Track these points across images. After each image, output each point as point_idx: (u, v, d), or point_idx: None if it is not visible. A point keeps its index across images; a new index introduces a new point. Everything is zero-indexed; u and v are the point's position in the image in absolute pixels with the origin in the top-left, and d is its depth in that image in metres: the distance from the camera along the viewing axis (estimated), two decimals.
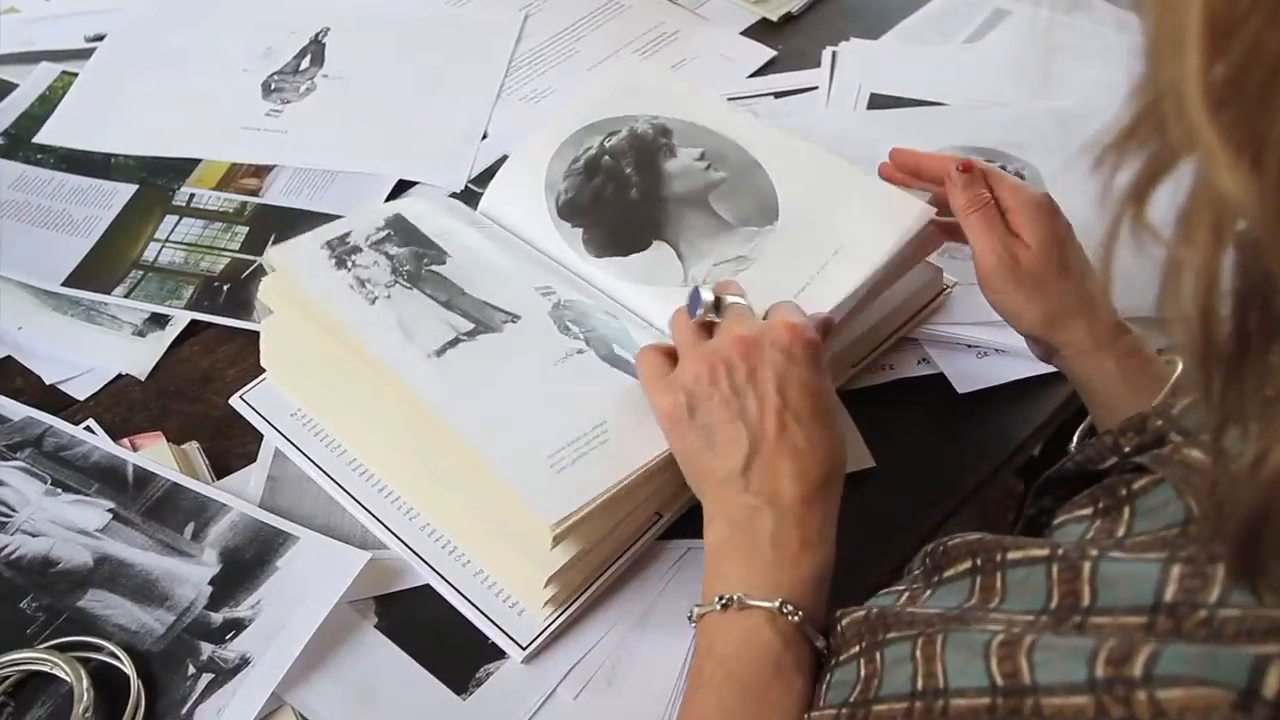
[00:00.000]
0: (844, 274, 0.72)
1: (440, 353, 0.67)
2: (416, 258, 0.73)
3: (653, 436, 0.64)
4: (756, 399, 0.59)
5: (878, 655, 0.49)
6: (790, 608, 0.54)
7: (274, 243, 0.86)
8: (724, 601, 0.55)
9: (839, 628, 0.54)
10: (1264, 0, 0.27)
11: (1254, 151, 0.27)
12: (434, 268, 0.73)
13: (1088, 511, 0.48)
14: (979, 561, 0.49)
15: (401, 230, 0.74)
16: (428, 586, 0.66)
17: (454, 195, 0.89)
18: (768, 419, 0.59)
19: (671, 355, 0.65)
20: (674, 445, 0.62)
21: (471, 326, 0.69)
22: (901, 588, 0.54)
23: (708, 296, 0.64)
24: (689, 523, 0.69)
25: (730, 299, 0.65)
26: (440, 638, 0.64)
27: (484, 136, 0.95)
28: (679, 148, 0.80)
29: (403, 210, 0.76)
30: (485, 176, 0.90)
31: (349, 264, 0.71)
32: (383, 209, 0.76)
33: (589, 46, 1.04)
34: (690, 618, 0.57)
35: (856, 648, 0.51)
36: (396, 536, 0.68)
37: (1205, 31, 0.28)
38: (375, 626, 0.64)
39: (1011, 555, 0.48)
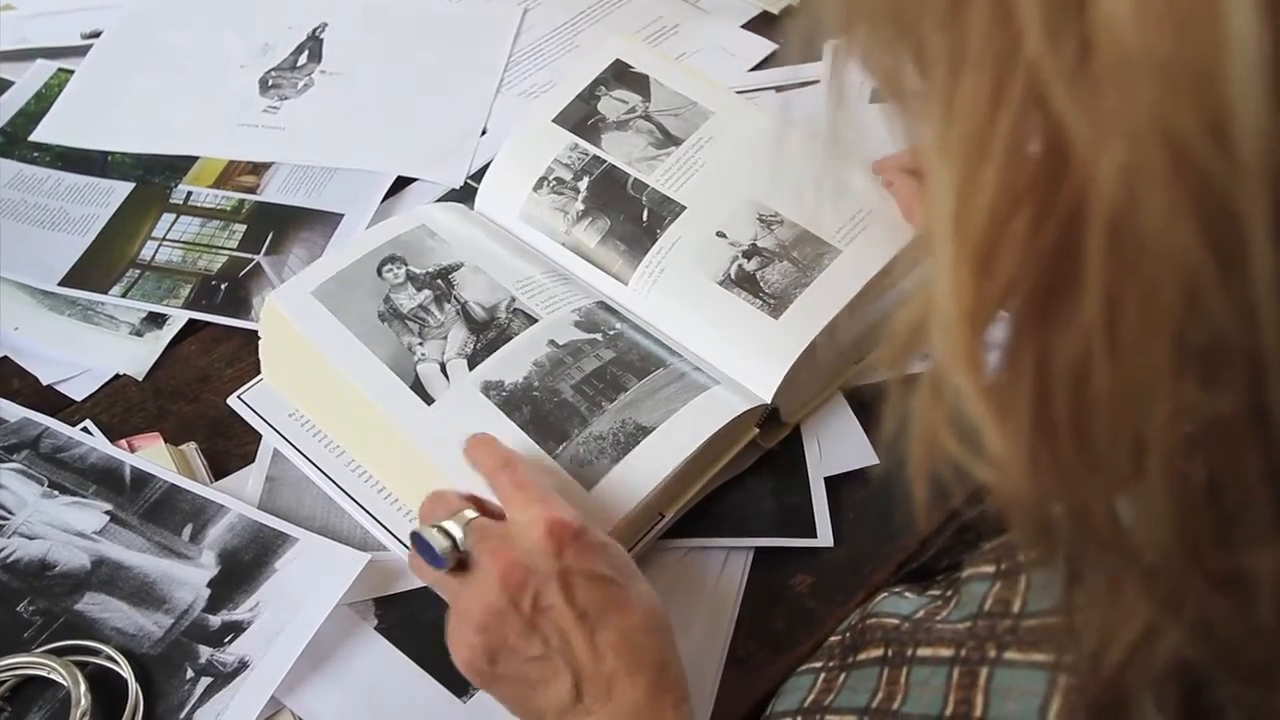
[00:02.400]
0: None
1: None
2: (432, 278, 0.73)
3: (656, 467, 0.64)
4: (554, 624, 0.54)
5: None
6: None
7: (272, 240, 0.85)
8: None
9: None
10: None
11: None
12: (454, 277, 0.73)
13: (990, 570, 0.47)
14: (890, 653, 0.49)
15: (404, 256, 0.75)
16: (427, 589, 0.65)
17: (453, 191, 0.89)
18: (574, 638, 0.53)
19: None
20: (494, 696, 0.57)
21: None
22: (818, 665, 0.53)
23: (440, 542, 0.56)
24: (692, 522, 0.68)
25: (463, 521, 0.57)
26: (440, 639, 0.62)
27: (483, 132, 0.94)
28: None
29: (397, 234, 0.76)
30: (484, 172, 0.89)
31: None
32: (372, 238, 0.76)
33: (588, 41, 1.03)
34: None
35: None
36: (396, 538, 0.67)
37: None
38: (375, 629, 0.64)
39: (920, 652, 0.48)
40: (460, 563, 0.57)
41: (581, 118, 0.82)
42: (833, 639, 0.56)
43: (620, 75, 0.84)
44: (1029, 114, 0.25)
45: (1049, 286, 0.26)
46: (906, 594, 0.56)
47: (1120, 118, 0.23)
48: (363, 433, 0.70)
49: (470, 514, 0.57)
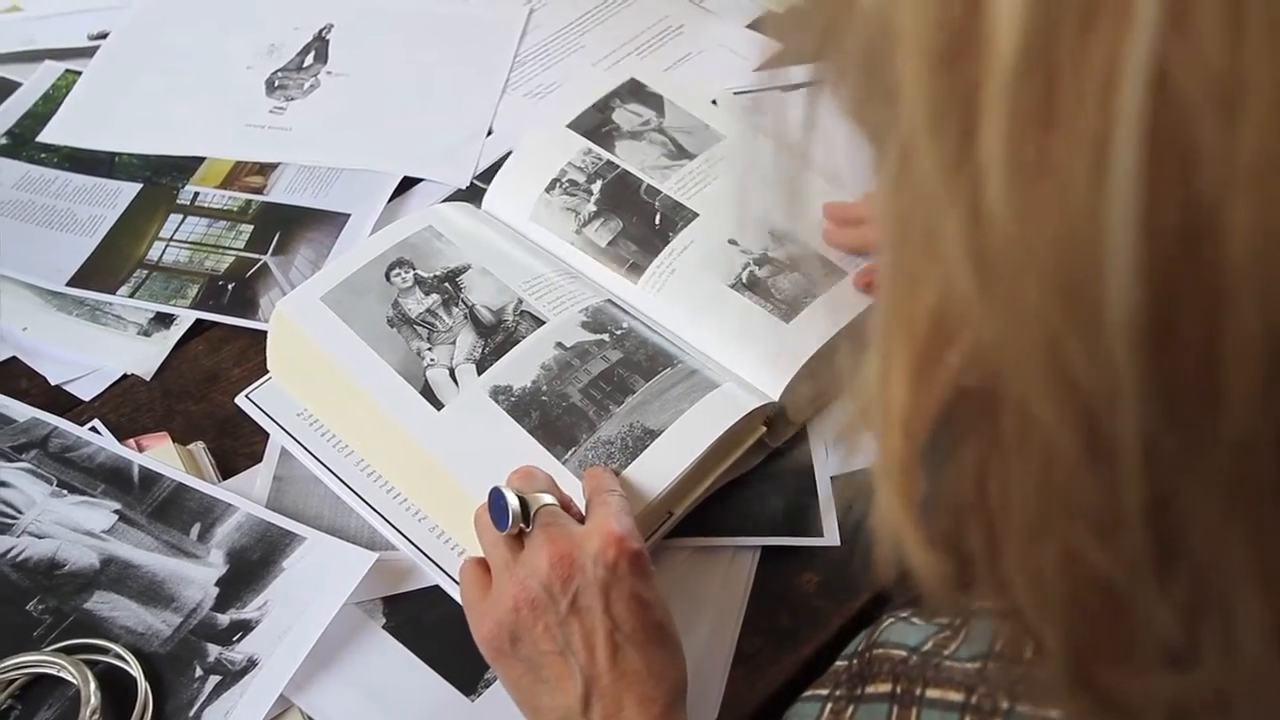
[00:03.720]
0: None
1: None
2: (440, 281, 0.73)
3: (664, 470, 0.64)
4: (582, 629, 0.54)
5: None
6: None
7: (279, 240, 0.86)
8: None
9: None
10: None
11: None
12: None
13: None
14: (899, 690, 0.49)
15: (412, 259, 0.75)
16: (436, 587, 0.65)
17: (459, 191, 0.89)
18: (599, 649, 0.54)
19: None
20: (500, 674, 0.58)
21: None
22: (824, 692, 0.53)
23: (514, 503, 0.57)
24: (699, 521, 0.68)
25: (539, 502, 0.59)
26: (448, 638, 0.63)
27: (489, 132, 0.94)
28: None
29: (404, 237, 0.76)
30: (490, 173, 0.89)
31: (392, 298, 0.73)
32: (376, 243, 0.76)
33: (593, 41, 1.03)
34: None
35: None
36: (404, 536, 0.67)
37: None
38: (383, 627, 0.64)
39: (930, 694, 0.47)
40: (520, 536, 0.58)
41: (596, 125, 0.83)
42: (839, 664, 0.56)
43: (635, 91, 0.85)
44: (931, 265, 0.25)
45: (959, 418, 0.26)
46: (914, 619, 0.56)
47: (1004, 298, 0.23)
48: (373, 437, 0.70)
49: (549, 499, 0.59)
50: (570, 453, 0.65)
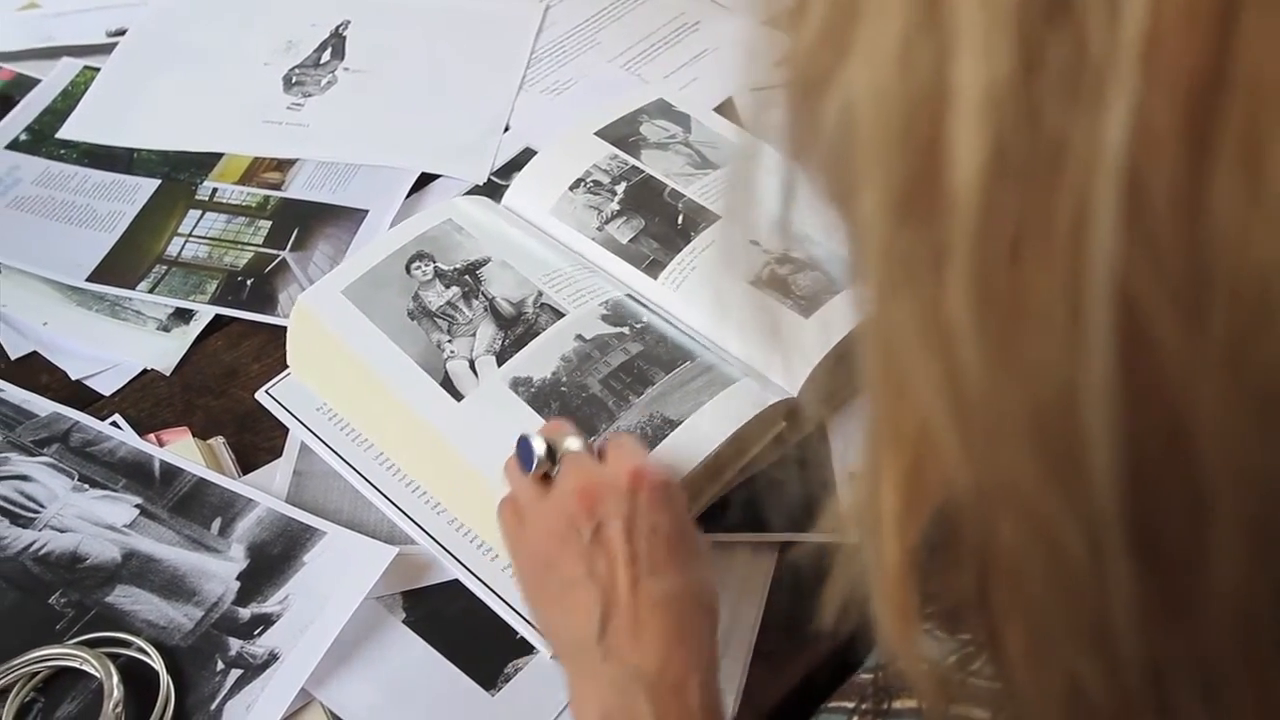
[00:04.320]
0: None
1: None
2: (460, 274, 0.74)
3: (684, 459, 0.64)
4: (606, 556, 0.55)
5: None
6: None
7: (297, 236, 0.86)
8: None
9: None
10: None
11: None
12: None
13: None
14: (924, 705, 0.48)
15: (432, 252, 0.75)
16: (456, 581, 0.66)
17: (476, 187, 0.89)
18: (619, 576, 0.54)
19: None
20: (532, 608, 0.59)
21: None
22: (849, 705, 0.52)
23: (540, 448, 0.59)
24: (718, 517, 0.68)
25: (565, 444, 0.60)
26: (468, 633, 0.64)
27: (506, 129, 0.94)
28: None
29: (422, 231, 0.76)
30: (508, 168, 0.90)
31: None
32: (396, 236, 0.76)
33: (610, 38, 1.03)
34: None
35: None
36: (424, 530, 0.67)
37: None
38: (403, 622, 0.64)
39: (955, 710, 0.47)
40: (546, 478, 0.60)
41: (623, 135, 0.83)
42: (863, 677, 0.55)
43: (664, 110, 0.86)
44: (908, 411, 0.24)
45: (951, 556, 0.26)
46: (937, 633, 0.56)
47: (982, 449, 0.23)
48: (393, 429, 0.71)
49: (576, 444, 0.60)
50: (591, 442, 0.66)
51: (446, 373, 0.69)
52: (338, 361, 0.72)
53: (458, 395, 0.68)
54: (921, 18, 0.20)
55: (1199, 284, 0.18)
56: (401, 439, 0.70)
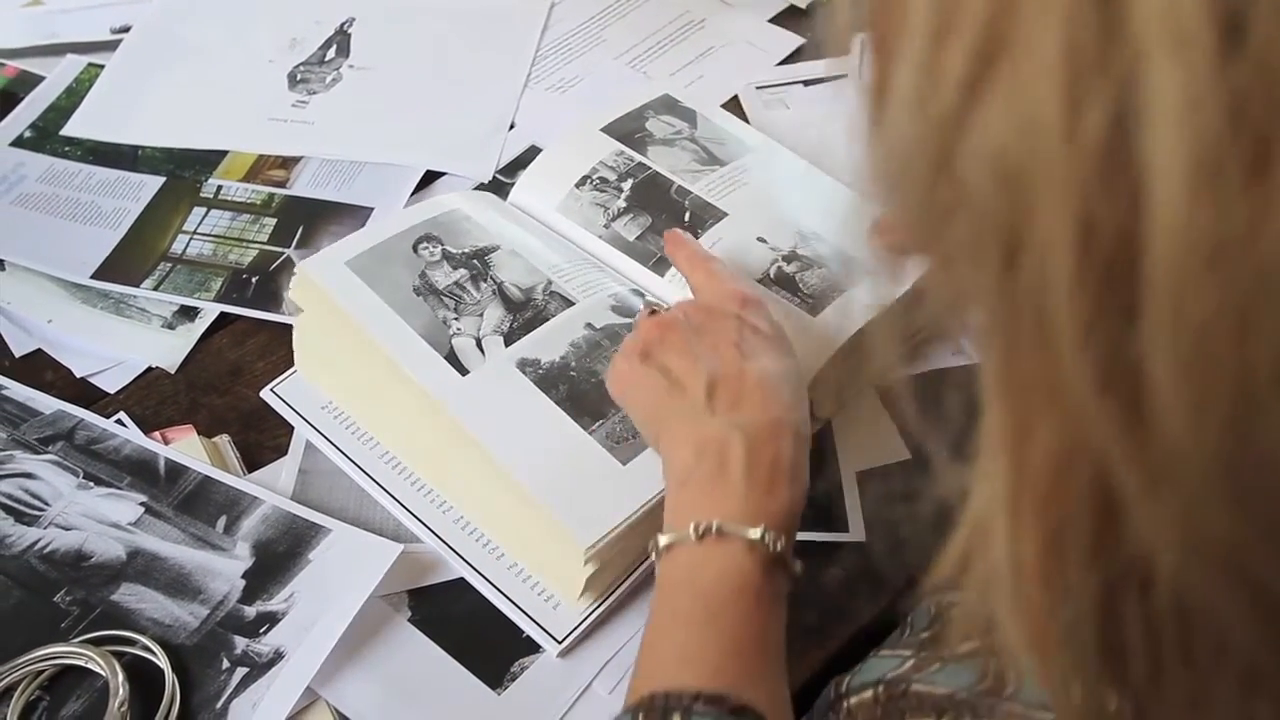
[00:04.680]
0: None
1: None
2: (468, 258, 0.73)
3: None
4: (711, 341, 0.60)
5: None
6: (771, 536, 0.52)
7: (302, 234, 0.86)
8: (700, 530, 0.53)
9: (846, 704, 0.51)
10: None
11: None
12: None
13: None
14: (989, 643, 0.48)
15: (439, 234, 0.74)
16: (461, 580, 0.65)
17: (481, 185, 0.89)
18: (726, 351, 0.59)
19: None
20: (629, 395, 0.62)
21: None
22: (907, 653, 0.52)
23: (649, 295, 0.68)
24: None
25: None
26: (474, 631, 0.63)
27: (511, 126, 0.94)
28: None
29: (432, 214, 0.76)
30: (513, 166, 0.89)
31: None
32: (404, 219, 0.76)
33: (615, 35, 1.03)
34: (653, 550, 0.55)
35: None
36: (429, 529, 0.67)
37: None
38: (409, 620, 0.64)
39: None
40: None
41: (629, 131, 0.83)
42: (922, 635, 0.54)
43: (670, 106, 0.85)
44: (1076, 442, 0.23)
45: (1118, 585, 0.25)
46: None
47: (1173, 487, 0.22)
48: (394, 402, 0.69)
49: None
50: (598, 424, 0.65)
51: (451, 348, 0.68)
52: (339, 329, 0.70)
53: (462, 370, 0.67)
54: (1092, 54, 0.20)
55: None
56: (402, 412, 0.69)
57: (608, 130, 0.83)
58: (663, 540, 0.54)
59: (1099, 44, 0.20)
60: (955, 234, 0.24)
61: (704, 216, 0.77)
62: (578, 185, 0.80)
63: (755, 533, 0.52)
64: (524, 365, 0.68)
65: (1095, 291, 0.22)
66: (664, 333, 0.61)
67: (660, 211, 0.78)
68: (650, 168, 0.80)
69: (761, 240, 0.76)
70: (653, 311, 0.67)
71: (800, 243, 0.75)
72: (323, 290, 0.70)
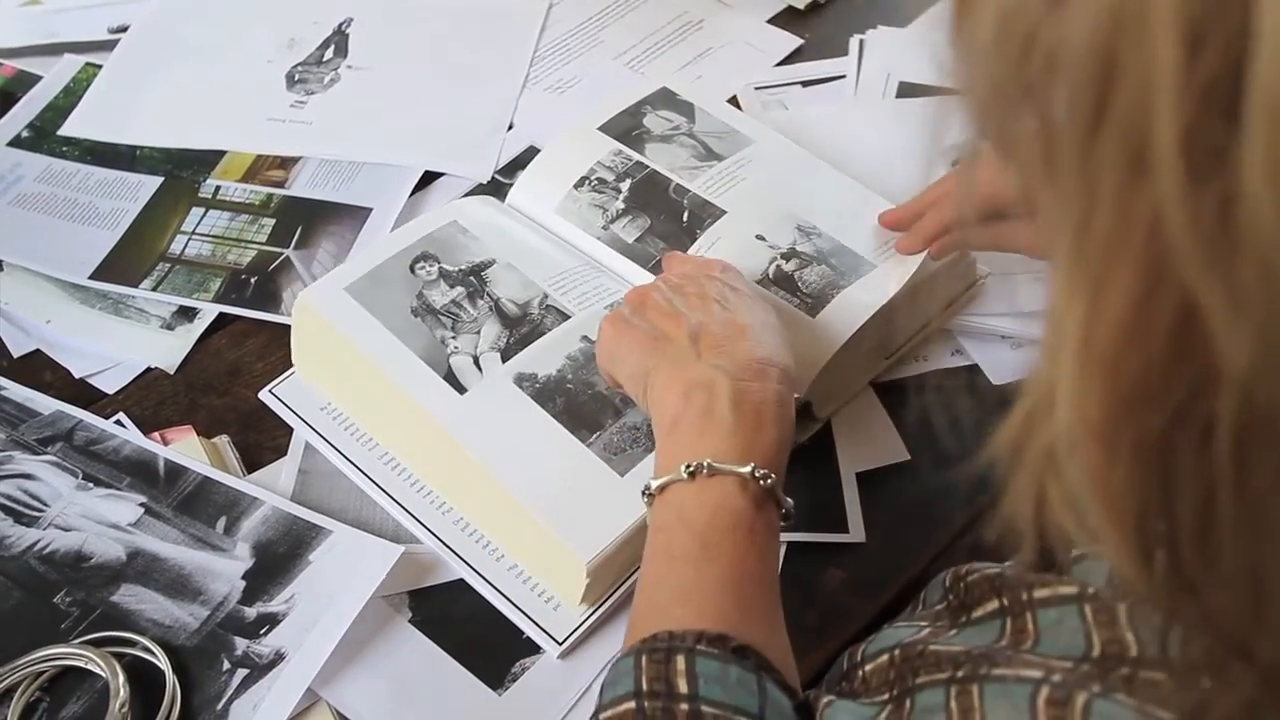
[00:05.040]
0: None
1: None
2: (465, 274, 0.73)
3: None
4: (693, 297, 0.62)
5: (907, 702, 0.46)
6: (762, 472, 0.53)
7: (301, 234, 0.86)
8: (691, 469, 0.54)
9: (861, 672, 0.51)
10: None
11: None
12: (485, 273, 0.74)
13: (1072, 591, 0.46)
14: (1005, 601, 0.48)
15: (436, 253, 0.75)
16: (462, 581, 0.65)
17: (480, 186, 0.89)
18: (708, 305, 0.61)
19: None
20: (617, 353, 0.63)
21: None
22: (923, 623, 0.52)
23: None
24: None
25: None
26: (475, 633, 0.63)
27: (510, 127, 0.94)
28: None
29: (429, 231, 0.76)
30: (511, 167, 0.89)
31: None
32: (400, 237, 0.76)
33: (613, 36, 1.03)
34: (647, 491, 0.56)
35: (885, 695, 0.48)
36: (429, 530, 0.67)
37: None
38: (409, 621, 0.64)
39: (1039, 594, 0.46)
40: None
41: (627, 129, 0.83)
42: (936, 607, 0.54)
43: (667, 99, 0.85)
44: (1161, 275, 0.25)
45: (1179, 426, 0.26)
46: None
47: (1256, 301, 0.23)
48: (395, 422, 0.70)
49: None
50: (595, 436, 0.65)
51: (450, 367, 0.69)
52: (340, 355, 0.71)
53: (460, 388, 0.68)
54: None
55: None
56: (403, 432, 0.70)
57: (605, 129, 0.83)
58: (654, 483, 0.55)
59: None
60: (1047, 94, 0.26)
61: (702, 216, 0.77)
62: (576, 186, 0.80)
63: (745, 469, 0.53)
64: (521, 380, 0.68)
65: (1197, 107, 0.23)
66: (646, 294, 0.64)
67: (659, 212, 0.78)
68: (648, 166, 0.80)
69: (760, 238, 0.76)
70: None
71: (799, 239, 0.75)
72: (324, 319, 0.71)
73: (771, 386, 0.57)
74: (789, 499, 0.55)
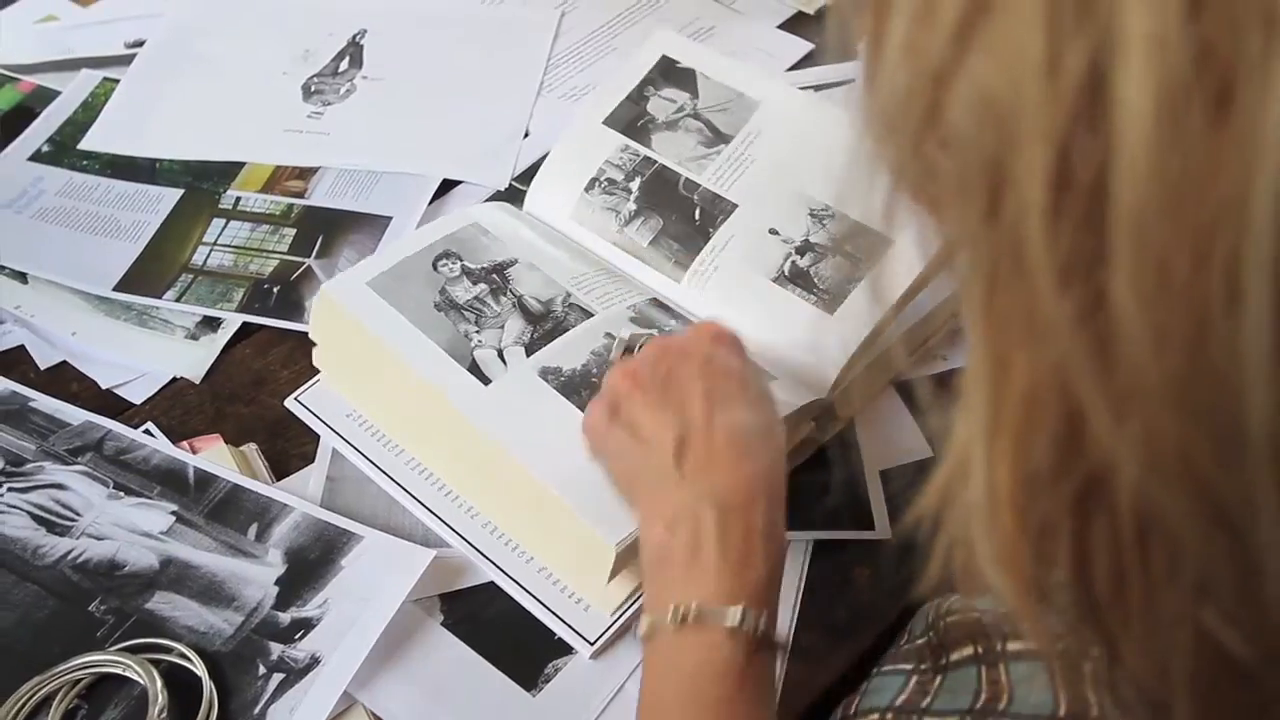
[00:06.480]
0: None
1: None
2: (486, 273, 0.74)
3: None
4: (679, 388, 0.57)
5: None
6: (751, 616, 0.51)
7: (322, 243, 0.86)
8: (679, 616, 0.51)
9: None
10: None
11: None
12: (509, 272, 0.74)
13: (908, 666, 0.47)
14: (980, 649, 0.49)
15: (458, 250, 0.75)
16: (492, 584, 0.66)
17: (498, 193, 0.89)
18: (694, 403, 0.56)
19: None
20: (599, 452, 0.59)
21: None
22: (908, 667, 0.53)
23: (622, 333, 0.65)
24: None
25: (647, 334, 0.65)
26: (507, 634, 0.64)
27: (526, 134, 0.95)
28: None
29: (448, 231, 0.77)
30: (529, 174, 0.90)
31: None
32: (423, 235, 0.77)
33: (626, 43, 1.04)
34: (638, 634, 0.54)
35: None
36: (458, 534, 0.68)
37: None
38: (442, 624, 0.65)
39: (1012, 646, 0.47)
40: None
41: (632, 119, 0.83)
42: (918, 641, 0.56)
43: (668, 73, 0.85)
44: (1049, 374, 0.25)
45: (1089, 503, 0.27)
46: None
47: (1135, 411, 0.24)
48: (418, 417, 0.70)
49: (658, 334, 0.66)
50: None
51: (474, 360, 0.69)
52: (361, 348, 0.71)
53: (485, 380, 0.68)
54: (1070, 14, 0.22)
55: None
56: (426, 424, 0.70)
57: (610, 121, 0.83)
58: (643, 626, 0.53)
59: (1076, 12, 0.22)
60: (944, 178, 0.26)
61: (714, 213, 0.78)
62: (587, 189, 0.81)
63: (734, 614, 0.51)
64: (546, 373, 0.68)
65: (1071, 227, 0.23)
66: (632, 386, 0.58)
67: (671, 211, 0.79)
68: (656, 162, 0.81)
69: (774, 232, 0.76)
70: (628, 349, 0.66)
71: (813, 227, 0.76)
72: (346, 311, 0.71)
73: (759, 512, 0.54)
74: (781, 633, 0.53)
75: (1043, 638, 0.30)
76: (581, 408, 0.67)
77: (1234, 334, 0.21)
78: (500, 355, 0.70)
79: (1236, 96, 0.21)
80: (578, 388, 0.68)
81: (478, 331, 0.71)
